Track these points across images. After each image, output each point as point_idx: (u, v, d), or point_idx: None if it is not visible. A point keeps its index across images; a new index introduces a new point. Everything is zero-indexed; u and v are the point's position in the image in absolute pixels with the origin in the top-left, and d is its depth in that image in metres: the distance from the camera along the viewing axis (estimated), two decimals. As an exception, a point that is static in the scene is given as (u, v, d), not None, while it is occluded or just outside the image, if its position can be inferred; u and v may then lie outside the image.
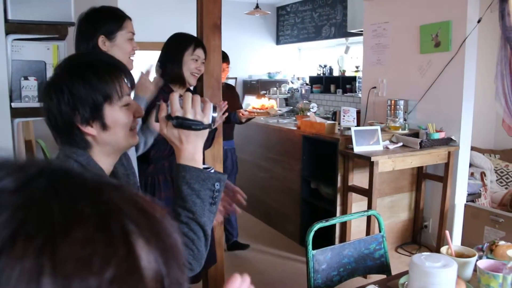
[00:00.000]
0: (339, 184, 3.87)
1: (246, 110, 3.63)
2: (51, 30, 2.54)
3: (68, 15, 2.51)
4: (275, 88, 5.95)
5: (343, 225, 3.82)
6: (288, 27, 8.13)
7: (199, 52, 2.42)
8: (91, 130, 1.18)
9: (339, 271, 1.87)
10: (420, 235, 4.29)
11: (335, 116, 4.71)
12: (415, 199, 4.31)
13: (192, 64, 2.40)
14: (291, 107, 5.75)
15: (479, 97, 4.21)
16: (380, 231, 2.02)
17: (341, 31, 6.80)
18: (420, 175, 4.25)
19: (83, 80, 1.16)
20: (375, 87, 4.73)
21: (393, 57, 4.50)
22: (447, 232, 1.72)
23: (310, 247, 1.79)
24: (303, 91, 5.98)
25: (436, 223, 4.10)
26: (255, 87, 7.56)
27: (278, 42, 8.43)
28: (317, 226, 1.83)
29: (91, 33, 1.87)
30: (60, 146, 1.24)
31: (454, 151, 3.93)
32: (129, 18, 1.97)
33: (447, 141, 3.93)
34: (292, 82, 7.42)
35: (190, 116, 1.15)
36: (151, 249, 0.41)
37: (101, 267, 0.37)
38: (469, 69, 3.85)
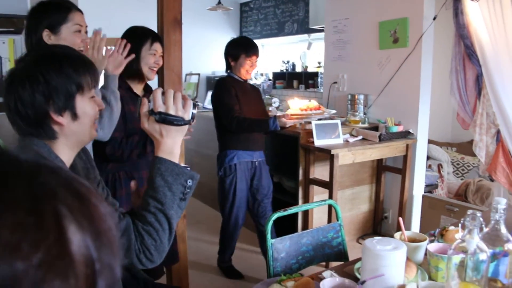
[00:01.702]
0: (300, 177, 3.93)
1: (292, 115, 3.21)
2: (7, 24, 2.48)
3: (24, 8, 2.46)
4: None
5: (305, 216, 3.88)
6: (251, 23, 8.15)
7: (157, 46, 2.41)
8: (61, 120, 1.21)
9: (298, 259, 1.91)
10: (380, 226, 4.40)
11: (297, 111, 4.77)
12: (375, 191, 4.41)
13: (150, 59, 2.39)
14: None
15: (436, 92, 4.34)
16: (337, 220, 2.07)
17: (304, 28, 6.88)
18: (379, 168, 4.35)
19: (59, 69, 1.19)
20: (336, 82, 4.81)
21: (354, 53, 4.58)
22: (400, 218, 1.78)
23: (269, 236, 1.82)
24: (266, 86, 6.02)
25: (395, 213, 4.22)
26: (218, 83, 7.56)
27: (241, 38, 8.46)
28: (275, 215, 1.86)
29: (35, 27, 1.84)
30: (21, 138, 1.24)
31: (412, 143, 4.04)
32: (78, 10, 1.92)
33: (405, 134, 4.04)
34: (256, 78, 7.45)
35: (172, 112, 1.21)
36: (83, 234, 0.42)
37: (30, 251, 0.38)
38: (425, 65, 3.97)
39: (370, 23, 4.32)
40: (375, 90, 4.36)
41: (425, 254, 1.64)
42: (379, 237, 1.39)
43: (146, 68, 2.39)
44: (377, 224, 4.41)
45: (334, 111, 3.11)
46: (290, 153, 4.03)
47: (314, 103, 3.12)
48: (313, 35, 6.85)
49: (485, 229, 1.35)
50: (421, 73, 3.95)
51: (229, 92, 3.20)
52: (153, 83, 2.47)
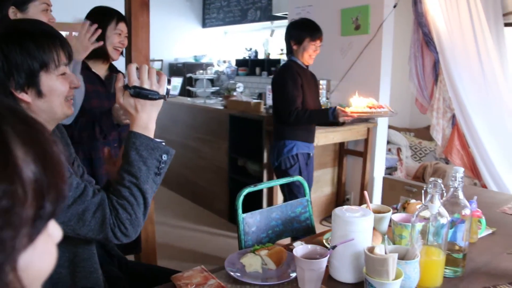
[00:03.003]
0: (265, 160, 4.00)
1: (354, 112, 2.85)
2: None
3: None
4: (202, 71, 6.00)
5: (270, 193, 3.95)
6: (214, 10, 8.14)
7: (122, 26, 2.37)
8: (25, 97, 1.19)
9: (268, 233, 1.97)
10: (342, 208, 4.52)
11: (260, 97, 4.83)
12: (338, 173, 4.53)
13: (115, 39, 2.36)
14: (218, 88, 5.81)
15: (396, 78, 4.48)
16: (305, 196, 2.15)
17: (267, 15, 6.93)
18: (341, 151, 4.47)
19: (20, 46, 1.16)
20: (299, 68, 4.88)
21: (316, 39, 4.66)
22: (365, 192, 1.87)
23: (240, 210, 1.88)
24: (230, 72, 6.05)
25: (357, 195, 4.35)
26: (181, 70, 7.53)
27: (204, 25, 8.42)
28: (246, 190, 1.92)
29: (0, 3, 1.82)
30: None
31: (373, 127, 4.17)
32: None
33: (366, 119, 4.16)
34: (218, 65, 7.47)
35: (146, 86, 1.22)
36: (28, 151, 0.45)
37: None
38: (386, 51, 4.09)
39: (333, 10, 4.41)
40: (337, 76, 4.47)
41: (389, 224, 1.74)
42: (347, 206, 1.46)
43: (111, 48, 2.36)
44: (339, 206, 4.51)
45: (397, 112, 2.98)
46: (255, 137, 4.09)
47: (374, 101, 2.93)
48: (276, 22, 6.92)
49: (445, 196, 1.45)
50: (381, 59, 4.07)
51: (295, 82, 2.94)
52: (118, 63, 2.47)
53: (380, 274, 1.20)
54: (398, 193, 3.96)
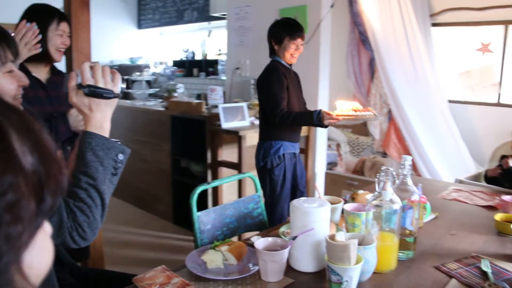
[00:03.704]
0: (209, 160, 4.00)
1: (339, 115, 2.79)
2: None
3: None
4: (138, 73, 5.89)
5: (215, 192, 3.95)
6: (149, 11, 8.01)
7: (64, 26, 2.22)
8: None
9: (223, 230, 1.98)
10: (286, 205, 4.60)
11: (199, 98, 4.83)
12: (280, 172, 4.60)
13: (57, 40, 2.20)
14: (157, 90, 5.74)
15: (334, 75, 4.61)
16: (256, 192, 2.18)
17: (204, 15, 6.91)
18: (283, 149, 4.54)
19: None
20: (238, 68, 4.92)
21: (255, 39, 4.71)
22: (317, 184, 1.93)
23: (195, 208, 1.87)
24: (170, 73, 5.99)
25: (300, 192, 4.44)
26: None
27: (139, 26, 8.27)
28: (200, 188, 1.92)
29: None
30: None
31: (313, 125, 4.27)
32: None
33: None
34: (155, 67, 7.36)
35: (101, 85, 1.19)
36: (24, 142, 0.44)
37: None
38: (324, 50, 4.20)
39: (271, 10, 4.47)
40: (277, 75, 4.53)
41: (342, 214, 1.80)
42: (305, 198, 1.50)
43: (53, 49, 2.21)
44: (282, 203, 4.60)
45: (381, 117, 2.99)
46: (197, 138, 4.08)
47: (358, 105, 2.87)
48: (213, 23, 6.92)
49: (396, 184, 1.53)
50: (320, 57, 4.17)
51: (281, 83, 2.91)
52: (60, 65, 2.38)
53: (342, 260, 1.24)
54: (340, 187, 4.09)
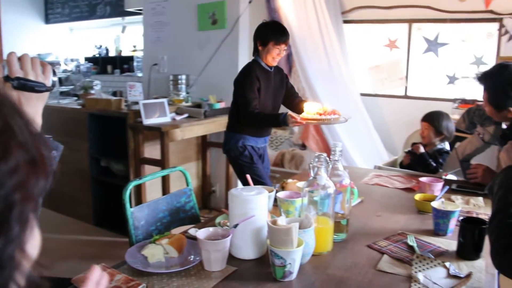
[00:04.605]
0: (130, 158, 3.91)
1: (306, 119, 2.80)
2: None
3: None
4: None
5: (137, 188, 3.87)
6: (58, 5, 7.62)
7: None
8: None
9: (157, 226, 1.97)
10: (209, 200, 4.62)
11: (115, 96, 4.70)
12: (202, 167, 4.61)
13: None
14: (72, 87, 5.50)
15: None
16: (187, 185, 2.18)
17: (117, 10, 6.70)
18: (204, 144, 4.55)
19: None
20: (156, 64, 4.85)
21: (173, 34, 4.68)
22: (248, 176, 1.97)
23: (128, 205, 1.84)
24: (85, 69, 5.76)
25: (222, 186, 4.48)
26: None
27: (47, 21, 7.84)
28: (132, 184, 1.89)
29: None
30: None
31: (234, 119, 4.32)
32: None
33: (228, 110, 4.28)
34: (66, 64, 7.04)
35: (32, 77, 1.11)
36: (18, 121, 0.46)
37: None
38: (242, 45, 4.26)
39: (189, 5, 4.46)
40: (196, 70, 4.53)
41: (275, 203, 1.86)
42: (242, 186, 1.54)
43: None
44: (206, 198, 4.62)
45: (350, 116, 2.94)
46: (118, 135, 3.97)
47: (328, 107, 2.87)
48: (128, 18, 6.73)
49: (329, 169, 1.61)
50: (239, 53, 4.23)
51: (252, 85, 2.99)
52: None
53: (285, 243, 1.29)
54: (263, 179, 4.17)
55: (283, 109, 3.24)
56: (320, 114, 2.75)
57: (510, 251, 1.12)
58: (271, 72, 3.12)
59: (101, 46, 7.24)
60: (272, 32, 3.01)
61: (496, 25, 4.64)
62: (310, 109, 2.81)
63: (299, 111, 3.04)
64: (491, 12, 4.57)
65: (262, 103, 3.07)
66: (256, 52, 3.11)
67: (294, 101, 3.25)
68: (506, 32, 4.54)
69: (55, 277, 1.77)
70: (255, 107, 2.98)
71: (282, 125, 2.95)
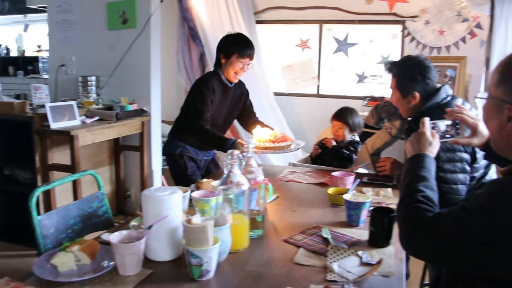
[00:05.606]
0: (38, 164, 3.69)
1: (259, 147, 2.60)
2: None
3: None
4: None
5: (46, 196, 3.66)
6: None
7: None
8: None
9: (68, 233, 1.88)
10: (125, 205, 4.49)
11: (19, 99, 4.44)
12: (115, 171, 4.46)
13: None
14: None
15: (165, 71, 4.60)
16: (99, 189, 2.10)
17: (18, 7, 6.28)
18: (117, 148, 4.41)
19: None
20: (63, 65, 4.63)
21: (81, 34, 4.48)
22: (162, 177, 1.94)
23: (34, 212, 1.74)
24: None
25: (138, 190, 4.36)
26: None
27: None
28: (39, 190, 1.79)
29: None
30: None
31: (147, 121, 4.23)
32: None
33: (140, 112, 4.19)
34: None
35: None
36: None
37: None
38: (154, 45, 4.17)
39: (98, 3, 4.29)
40: (106, 71, 4.37)
41: (190, 203, 1.84)
42: (155, 187, 1.51)
43: None
44: (121, 203, 4.48)
45: (303, 143, 2.75)
46: (22, 141, 3.74)
47: (278, 131, 2.74)
48: (31, 16, 6.35)
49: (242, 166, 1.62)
50: (150, 53, 4.14)
51: (205, 97, 2.81)
52: None
53: (201, 242, 1.28)
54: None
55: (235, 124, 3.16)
56: (273, 142, 2.65)
57: (414, 233, 1.20)
58: (230, 87, 2.98)
59: (0, 46, 6.78)
60: (236, 44, 2.87)
61: (399, 27, 4.94)
62: (261, 136, 2.70)
63: (250, 131, 2.97)
64: (395, 14, 4.86)
65: (214, 116, 2.93)
66: (218, 65, 2.96)
67: (249, 121, 3.15)
68: (409, 33, 4.85)
69: None
70: (206, 119, 2.83)
71: (227, 151, 2.85)
